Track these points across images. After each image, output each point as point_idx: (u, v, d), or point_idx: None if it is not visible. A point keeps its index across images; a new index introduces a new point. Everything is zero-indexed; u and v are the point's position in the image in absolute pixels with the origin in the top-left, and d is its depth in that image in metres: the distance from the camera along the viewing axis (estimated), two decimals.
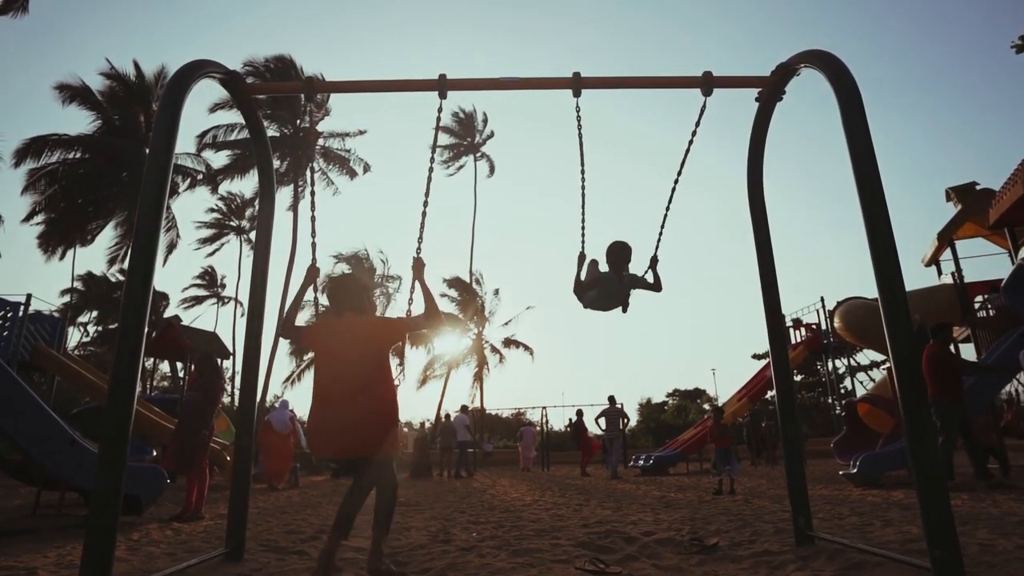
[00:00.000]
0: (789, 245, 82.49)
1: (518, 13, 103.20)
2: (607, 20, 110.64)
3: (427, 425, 22.57)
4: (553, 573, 2.74)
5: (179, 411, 6.58)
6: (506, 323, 29.12)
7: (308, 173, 3.80)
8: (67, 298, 30.80)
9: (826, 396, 28.42)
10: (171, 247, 25.00)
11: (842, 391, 22.41)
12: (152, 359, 20.08)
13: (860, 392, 17.06)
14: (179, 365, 17.95)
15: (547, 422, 21.07)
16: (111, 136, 22.64)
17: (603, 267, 4.04)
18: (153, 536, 4.17)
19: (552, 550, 3.28)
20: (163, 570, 2.76)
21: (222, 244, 34.30)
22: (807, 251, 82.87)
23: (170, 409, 12.07)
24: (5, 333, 11.03)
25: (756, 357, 35.20)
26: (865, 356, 20.05)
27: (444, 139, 31.55)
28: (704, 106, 3.39)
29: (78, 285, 31.42)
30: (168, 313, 32.80)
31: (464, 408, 16.24)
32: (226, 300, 38.43)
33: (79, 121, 37.55)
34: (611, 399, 12.94)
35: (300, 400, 29.70)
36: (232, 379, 26.02)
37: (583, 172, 3.71)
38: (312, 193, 3.55)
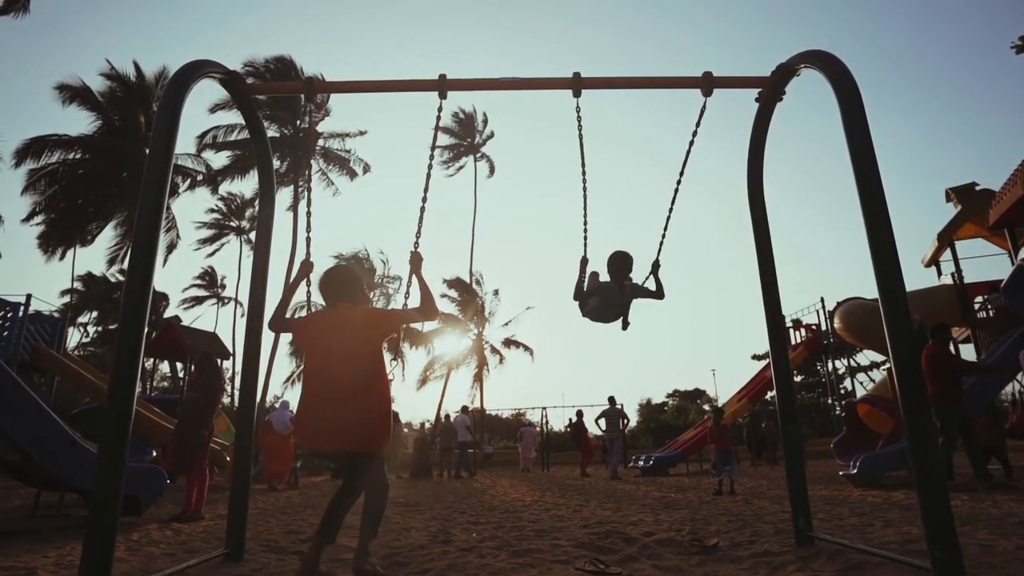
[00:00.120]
0: (789, 245, 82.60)
1: (518, 13, 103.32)
2: (607, 20, 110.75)
3: (427, 426, 22.57)
4: (553, 574, 2.74)
5: (179, 411, 6.58)
6: (506, 323, 29.18)
7: (307, 169, 3.73)
8: (67, 298, 30.82)
9: (826, 397, 28.43)
10: (171, 247, 25.05)
11: (842, 392, 22.41)
12: (152, 359, 20.07)
13: (860, 393, 17.06)
14: (179, 365, 17.95)
15: (547, 423, 21.08)
16: (111, 136, 22.66)
17: (604, 278, 4.01)
18: (153, 536, 4.17)
19: (552, 551, 3.28)
20: (163, 570, 2.76)
21: (222, 244, 34.34)
22: (807, 251, 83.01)
23: (170, 409, 12.07)
24: (5, 333, 11.03)
25: (756, 358, 35.24)
26: (865, 357, 20.07)
27: (444, 139, 31.60)
28: (704, 106, 3.39)
29: (78, 285, 31.44)
30: (168, 313, 32.81)
31: (464, 409, 16.24)
32: (226, 300, 38.48)
33: (79, 121, 37.53)
34: (611, 400, 12.94)
35: None
36: (232, 379, 26.02)
37: (584, 175, 3.69)
38: (309, 189, 3.53)
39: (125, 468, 2.25)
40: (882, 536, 3.40)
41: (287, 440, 10.00)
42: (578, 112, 3.44)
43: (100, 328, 33.23)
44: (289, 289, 3.17)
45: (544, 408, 21.62)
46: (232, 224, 34.33)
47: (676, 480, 10.69)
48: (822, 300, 17.17)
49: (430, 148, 3.40)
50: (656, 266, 3.96)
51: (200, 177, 24.76)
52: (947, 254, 12.07)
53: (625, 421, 13.36)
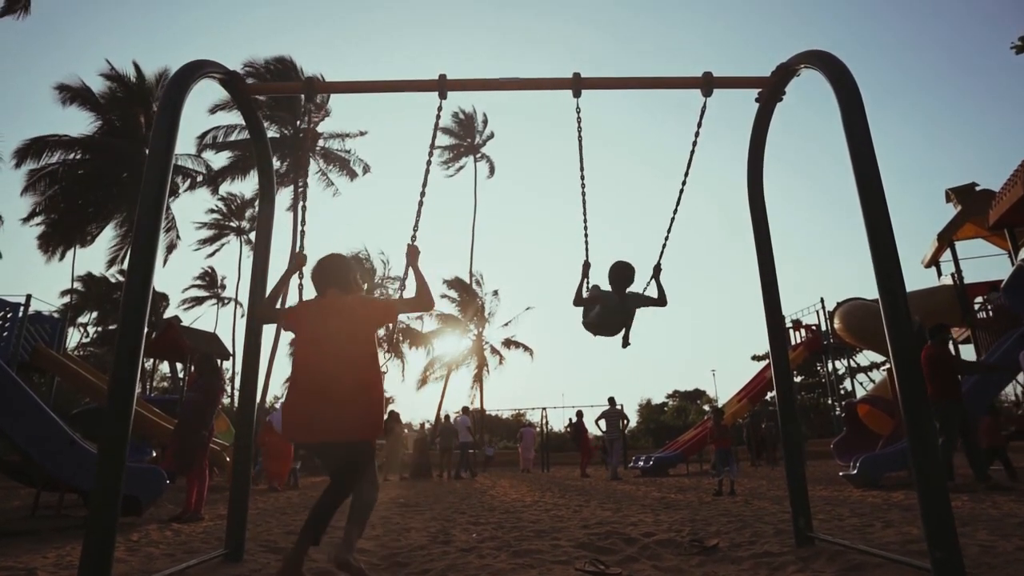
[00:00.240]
0: (789, 245, 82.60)
1: (518, 14, 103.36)
2: (607, 21, 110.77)
3: (427, 426, 22.58)
4: (553, 574, 2.74)
5: (179, 412, 6.58)
6: (506, 324, 29.20)
7: (305, 165, 3.67)
8: (67, 299, 30.83)
9: (826, 397, 28.44)
10: (171, 248, 25.07)
11: (842, 392, 22.39)
12: (152, 360, 20.08)
13: (860, 393, 17.03)
14: (179, 366, 17.96)
15: (547, 423, 21.10)
16: (111, 137, 22.69)
17: (604, 288, 3.97)
18: (152, 537, 4.17)
19: (552, 551, 3.28)
20: (162, 571, 2.76)
21: (222, 245, 34.36)
22: (807, 251, 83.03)
23: (170, 410, 12.08)
24: (5, 334, 11.03)
25: (756, 358, 35.24)
26: (865, 357, 20.07)
27: (444, 140, 31.64)
28: (704, 107, 3.39)
29: (78, 286, 31.45)
30: (168, 314, 32.83)
31: (465, 409, 16.25)
32: (226, 301, 38.49)
33: (79, 122, 37.60)
34: (611, 400, 12.93)
35: None
36: (232, 379, 26.03)
37: (583, 179, 3.67)
38: (305, 184, 3.52)
39: (125, 468, 2.24)
40: (882, 537, 3.40)
41: (287, 441, 10.00)
42: (578, 113, 3.44)
43: (100, 328, 33.26)
44: (280, 281, 3.12)
45: (544, 408, 21.73)
46: (232, 224, 34.35)
47: (676, 481, 10.69)
48: (822, 300, 17.20)
49: (429, 146, 3.38)
50: (657, 270, 3.90)
51: (200, 177, 24.78)
52: (947, 254, 12.09)
53: (625, 422, 13.36)
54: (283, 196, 24.36)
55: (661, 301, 3.90)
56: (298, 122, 24.36)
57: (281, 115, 24.26)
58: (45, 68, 72.84)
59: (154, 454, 9.72)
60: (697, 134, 3.49)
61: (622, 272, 3.85)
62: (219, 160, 24.85)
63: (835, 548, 2.94)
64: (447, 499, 7.41)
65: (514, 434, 24.32)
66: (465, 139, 32.19)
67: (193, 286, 38.28)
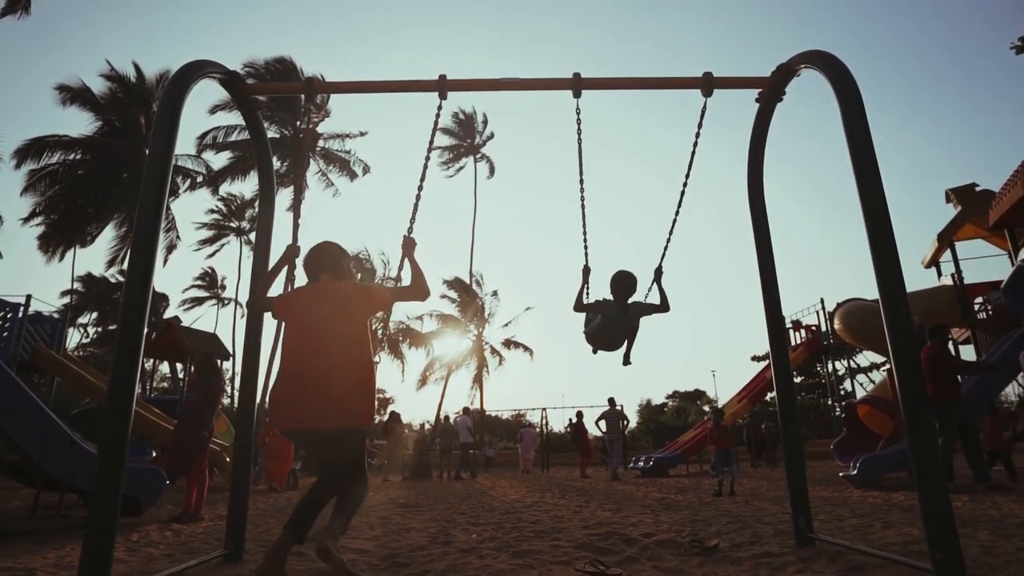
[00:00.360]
0: (789, 245, 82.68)
1: (518, 14, 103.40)
2: (607, 21, 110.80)
3: (427, 427, 22.57)
4: (553, 575, 2.73)
5: (179, 412, 6.57)
6: (506, 324, 29.17)
7: (304, 160, 3.66)
8: (67, 299, 30.84)
9: (826, 398, 28.42)
10: (171, 248, 25.07)
11: (842, 393, 22.38)
12: (152, 360, 20.07)
13: (860, 394, 17.02)
14: (179, 366, 17.96)
15: (547, 423, 21.11)
16: (111, 137, 22.69)
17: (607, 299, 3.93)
18: (152, 537, 4.16)
19: (552, 551, 3.27)
20: (162, 571, 2.76)
21: (222, 245, 34.38)
22: (807, 252, 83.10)
23: (170, 410, 12.07)
24: (5, 334, 11.03)
25: (756, 359, 35.21)
26: (865, 358, 20.07)
27: (445, 140, 31.64)
28: (705, 107, 3.39)
29: (78, 286, 31.45)
30: (168, 314, 32.85)
31: (466, 410, 16.25)
32: (226, 301, 38.51)
33: (79, 122, 37.63)
34: (611, 401, 12.93)
35: None
36: (232, 380, 26.02)
37: (582, 182, 3.65)
38: (303, 179, 3.49)
39: (125, 469, 2.24)
40: (883, 537, 3.39)
41: (287, 441, 10.00)
42: (578, 113, 3.43)
43: (100, 329, 33.28)
44: (272, 271, 3.09)
45: (544, 409, 21.72)
46: (232, 225, 34.36)
47: (676, 481, 10.68)
48: (822, 301, 17.19)
49: (428, 143, 3.36)
50: (658, 273, 3.86)
51: (200, 178, 24.77)
52: (947, 255, 12.09)
53: (625, 422, 13.36)
54: (283, 196, 24.31)
55: (664, 307, 3.84)
56: (298, 122, 24.35)
57: (281, 115, 24.23)
58: (45, 68, 72.98)
59: (154, 454, 9.72)
60: (698, 134, 3.49)
61: (624, 282, 3.80)
62: (219, 160, 24.84)
63: (835, 549, 2.94)
64: (447, 500, 7.41)
65: (514, 435, 24.32)
66: (465, 139, 32.18)
67: (193, 286, 38.34)
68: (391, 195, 78.97)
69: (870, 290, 12.22)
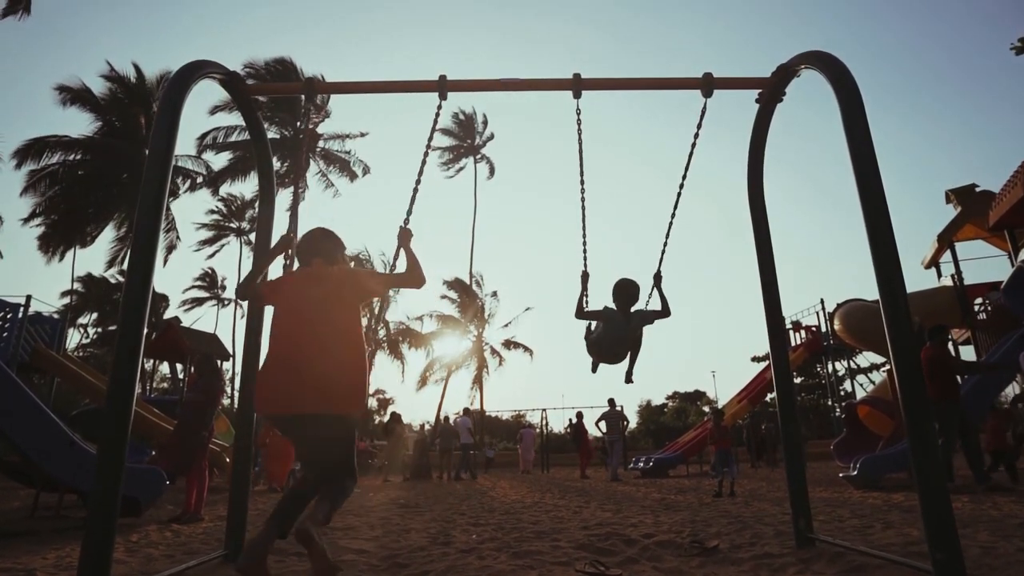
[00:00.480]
0: (789, 246, 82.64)
1: (518, 14, 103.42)
2: (607, 21, 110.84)
3: (426, 427, 22.56)
4: (553, 575, 2.73)
5: (179, 412, 6.57)
6: (506, 325, 29.18)
7: (304, 157, 3.63)
8: (67, 299, 30.83)
9: (826, 398, 28.42)
10: (171, 248, 25.09)
11: (842, 393, 22.37)
12: (152, 360, 20.07)
13: (860, 394, 17.03)
14: (179, 366, 17.95)
15: (547, 424, 21.10)
16: (111, 138, 22.70)
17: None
18: (152, 538, 4.16)
19: (552, 552, 3.27)
20: (162, 572, 2.76)
21: (222, 246, 34.41)
22: (807, 252, 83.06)
23: (170, 410, 12.07)
24: (5, 334, 11.04)
25: (756, 360, 35.17)
26: (865, 358, 20.09)
27: (445, 141, 31.65)
28: (705, 107, 3.39)
29: (78, 287, 31.45)
30: (168, 314, 32.86)
31: (466, 410, 16.25)
32: (226, 302, 38.51)
33: (80, 123, 37.64)
34: (611, 401, 12.93)
35: None
36: (232, 380, 26.03)
37: (582, 183, 3.64)
38: (303, 175, 3.48)
39: (124, 469, 2.24)
40: (883, 538, 3.39)
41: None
42: (578, 114, 3.43)
43: (100, 329, 33.30)
44: (264, 259, 3.06)
45: (544, 410, 21.66)
46: (232, 225, 34.38)
47: (676, 482, 10.68)
48: (822, 301, 17.19)
49: (427, 140, 3.34)
50: (658, 278, 3.83)
51: (200, 178, 24.80)
52: (947, 255, 12.10)
53: (625, 423, 13.36)
54: (283, 197, 24.35)
55: (665, 312, 3.80)
56: (298, 123, 24.36)
57: (281, 116, 24.27)
58: (45, 69, 72.98)
59: (153, 454, 9.73)
60: (697, 135, 3.48)
61: (626, 289, 3.76)
62: (219, 161, 24.89)
63: (835, 549, 2.94)
64: (447, 500, 7.41)
65: (514, 435, 24.31)
66: (465, 140, 32.20)
67: (193, 287, 38.36)
68: (391, 196, 79.12)
69: (870, 290, 12.21)
